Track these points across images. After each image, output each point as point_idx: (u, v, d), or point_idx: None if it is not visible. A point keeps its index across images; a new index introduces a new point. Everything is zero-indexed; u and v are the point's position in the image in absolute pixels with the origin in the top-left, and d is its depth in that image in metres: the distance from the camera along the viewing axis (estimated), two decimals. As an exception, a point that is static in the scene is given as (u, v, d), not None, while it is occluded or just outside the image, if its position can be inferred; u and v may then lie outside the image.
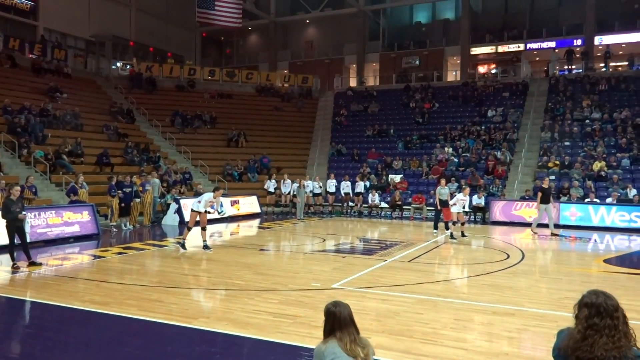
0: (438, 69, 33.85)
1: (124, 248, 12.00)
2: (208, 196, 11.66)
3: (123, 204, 15.47)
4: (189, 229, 11.63)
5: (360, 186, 21.05)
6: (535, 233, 15.22)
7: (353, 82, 35.12)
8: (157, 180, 17.65)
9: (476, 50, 34.57)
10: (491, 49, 34.42)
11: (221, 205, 11.99)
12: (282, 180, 20.94)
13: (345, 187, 21.05)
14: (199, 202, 11.58)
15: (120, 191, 15.30)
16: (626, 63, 29.34)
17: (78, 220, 13.59)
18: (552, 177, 19.87)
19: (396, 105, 29.25)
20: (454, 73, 34.75)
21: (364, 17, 36.59)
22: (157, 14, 36.77)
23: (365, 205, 20.92)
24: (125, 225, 15.55)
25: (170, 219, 16.94)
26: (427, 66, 34.24)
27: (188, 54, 39.07)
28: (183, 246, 11.45)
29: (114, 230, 15.02)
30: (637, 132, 21.43)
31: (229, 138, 26.34)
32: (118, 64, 31.23)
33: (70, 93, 23.75)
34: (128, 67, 30.82)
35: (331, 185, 21.41)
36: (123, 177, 16.07)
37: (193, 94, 29.49)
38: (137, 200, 16.18)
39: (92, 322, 6.34)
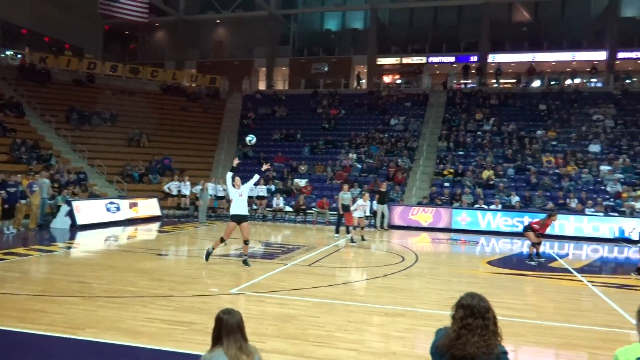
0: (346, 76, 34.74)
1: (5, 254, 11.05)
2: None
3: (7, 206, 14.25)
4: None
5: (264, 190, 21.01)
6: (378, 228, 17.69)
7: (262, 85, 35.07)
8: (46, 181, 16.41)
9: (382, 61, 35.90)
10: (396, 60, 35.91)
11: None
12: (183, 183, 20.38)
13: (250, 190, 20.89)
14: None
15: (3, 191, 14.09)
16: (514, 80, 31.92)
17: (-48, 222, 12.34)
18: (447, 184, 21.12)
19: (304, 110, 29.60)
20: (362, 81, 35.81)
21: (275, 21, 36.70)
22: (56, 2, 34.28)
23: (270, 209, 20.93)
24: (7, 229, 14.32)
25: (60, 222, 15.83)
26: (335, 73, 35.00)
27: (88, 47, 36.80)
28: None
29: (-5, 233, 13.81)
30: (521, 144, 23.35)
31: (130, 137, 25.20)
32: (8, 53, 28.75)
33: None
34: (19, 56, 28.48)
35: (236, 188, 21.15)
36: (7, 176, 14.82)
37: (92, 90, 27.81)
38: (23, 201, 14.99)
39: (-39, 336, 5.79)
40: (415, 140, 25.14)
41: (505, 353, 2.92)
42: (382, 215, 18.55)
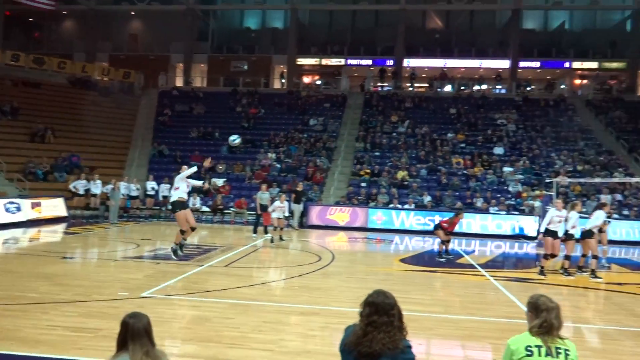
0: (266, 75, 34.61)
1: None
2: None
3: None
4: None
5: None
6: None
7: (179, 82, 34.08)
8: None
9: (302, 61, 36.12)
10: (315, 61, 36.26)
11: None
12: (92, 181, 19.37)
13: (165, 189, 20.27)
14: None
15: None
16: (427, 85, 33.36)
17: None
18: (364, 184, 21.67)
19: (223, 109, 29.15)
20: (282, 81, 35.82)
21: (193, 16, 35.76)
22: (-54, -17, 31.35)
23: (187, 209, 20.38)
24: None
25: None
26: (255, 72, 34.74)
27: (-15, 34, 33.98)
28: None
29: None
30: (433, 146, 24.45)
31: (34, 132, 23.54)
32: None
33: None
34: None
35: (150, 187, 20.46)
36: None
37: (-10, 80, 25.73)
38: None
39: None
40: (333, 140, 25.55)
41: (409, 347, 3.05)
42: (300, 215, 18.71)
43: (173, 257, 10.79)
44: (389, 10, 34.23)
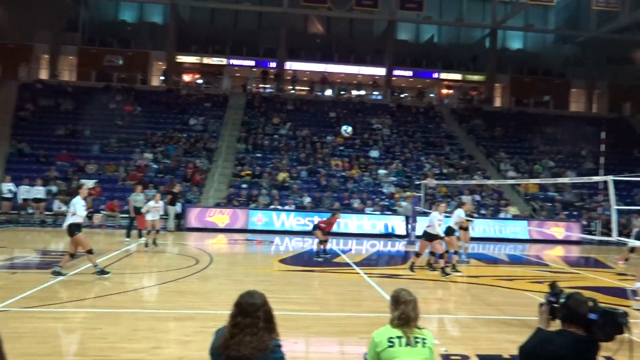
0: (143, 71, 33.00)
1: None
2: None
3: None
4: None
5: (42, 192, 18.69)
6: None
7: (44, 74, 31.30)
8: None
9: (182, 59, 34.99)
10: (196, 59, 35.32)
11: None
12: None
13: (25, 192, 18.47)
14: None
15: None
16: (308, 88, 34.08)
17: None
18: (245, 186, 21.56)
19: (94, 105, 27.19)
20: (161, 78, 34.37)
21: (61, 4, 33.00)
22: None
23: (49, 213, 18.79)
24: None
25: None
26: (131, 67, 32.96)
27: None
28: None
29: None
30: (314, 148, 25.05)
31: None
32: None
33: None
34: None
35: (7, 189, 18.49)
36: None
37: None
38: None
39: None
40: (214, 141, 25.12)
41: (279, 346, 3.08)
42: (179, 217, 18.11)
43: (58, 276, 9.41)
44: (271, 12, 34.42)
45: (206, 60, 35.15)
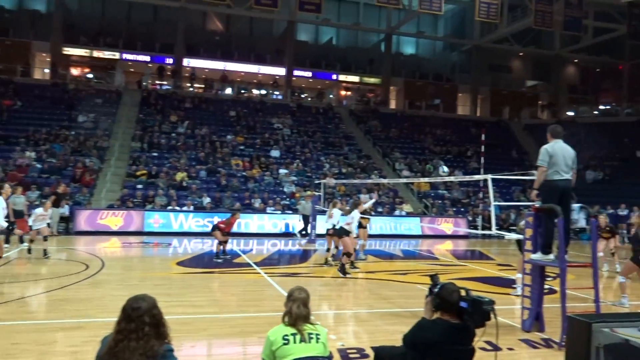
0: (24, 63, 30.36)
1: None
2: None
3: None
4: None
5: None
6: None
7: None
8: None
9: (69, 51, 32.68)
10: (86, 52, 33.14)
11: None
12: None
13: None
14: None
15: None
16: (208, 86, 33.35)
17: None
18: (140, 186, 20.65)
19: (-34, 98, 24.67)
20: (45, 71, 31.84)
21: None
22: None
23: None
24: None
25: None
26: (9, 58, 30.18)
27: None
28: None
29: None
30: (213, 147, 24.58)
31: None
32: None
33: None
34: None
35: None
36: None
37: None
38: None
39: None
40: (106, 139, 23.78)
41: (171, 350, 3.00)
42: (66, 220, 16.93)
43: None
44: (168, 6, 33.22)
45: (96, 54, 33.11)
